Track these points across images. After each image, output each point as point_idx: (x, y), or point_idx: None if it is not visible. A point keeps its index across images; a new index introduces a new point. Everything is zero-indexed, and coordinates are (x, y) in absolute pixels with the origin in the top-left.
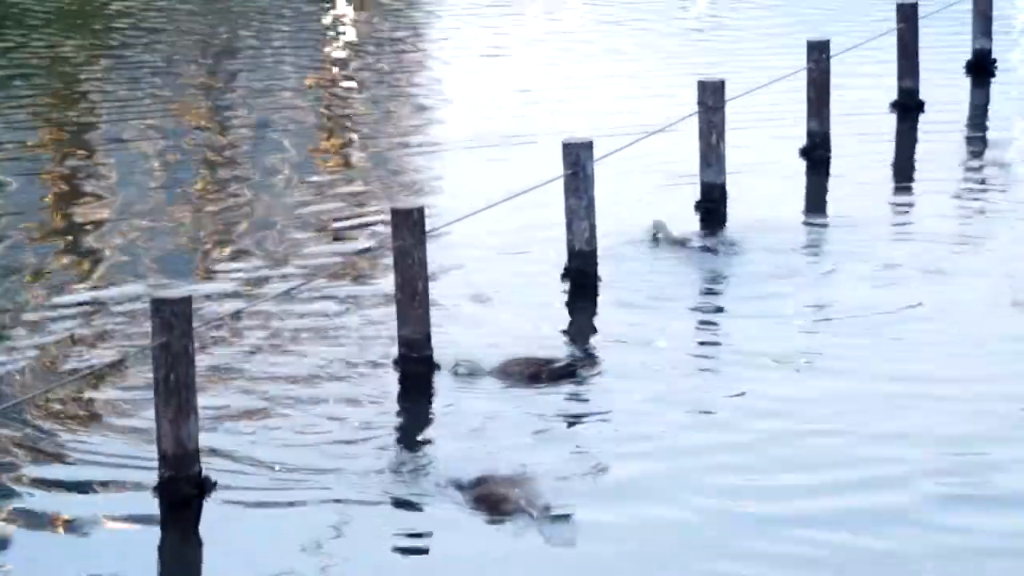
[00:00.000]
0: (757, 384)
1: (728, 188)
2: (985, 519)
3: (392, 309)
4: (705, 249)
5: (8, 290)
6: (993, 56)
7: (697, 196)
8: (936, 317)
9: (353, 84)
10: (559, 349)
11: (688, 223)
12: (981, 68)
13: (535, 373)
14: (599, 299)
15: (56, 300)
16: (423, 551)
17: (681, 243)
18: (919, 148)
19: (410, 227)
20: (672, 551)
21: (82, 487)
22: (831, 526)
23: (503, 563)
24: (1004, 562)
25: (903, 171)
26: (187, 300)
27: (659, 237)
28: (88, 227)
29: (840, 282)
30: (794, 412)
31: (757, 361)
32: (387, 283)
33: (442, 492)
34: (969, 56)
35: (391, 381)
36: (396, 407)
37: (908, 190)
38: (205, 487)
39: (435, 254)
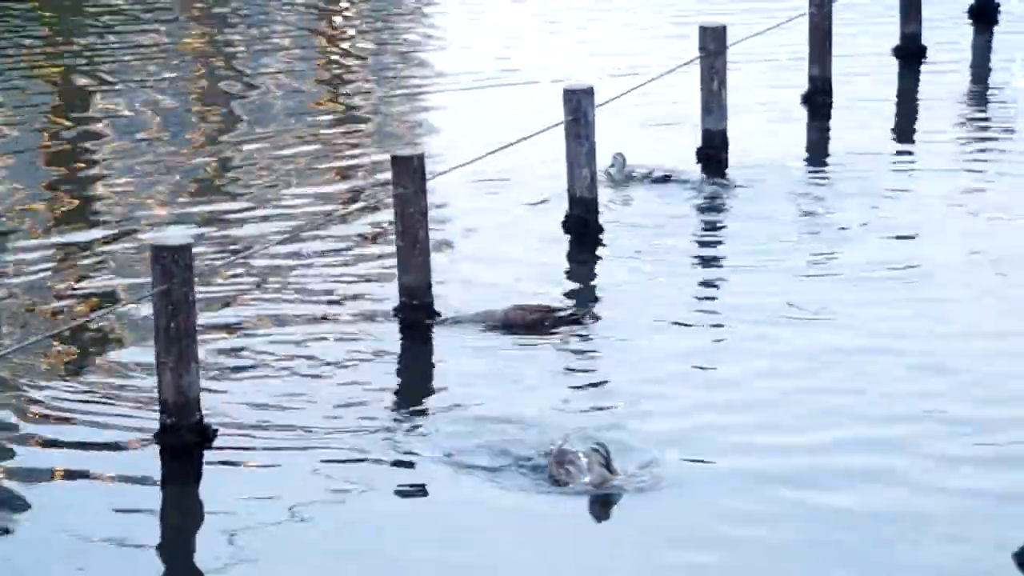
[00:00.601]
0: (757, 334)
1: (729, 134)
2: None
3: (392, 256)
4: (669, 186)
5: (7, 236)
6: (996, 1)
7: (698, 142)
8: (938, 267)
9: (352, 29)
10: (561, 297)
11: (689, 167)
12: (984, 14)
13: (538, 321)
14: (600, 246)
15: (55, 247)
16: (421, 502)
17: (641, 178)
18: (921, 94)
19: (410, 174)
20: (669, 505)
21: (83, 434)
22: (834, 483)
23: (497, 513)
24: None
25: (905, 117)
26: (187, 247)
27: (612, 172)
28: (87, 175)
29: (840, 230)
30: (795, 363)
31: (757, 311)
32: (387, 230)
33: (440, 442)
34: (972, 1)
35: (392, 329)
36: (397, 356)
37: (910, 137)
38: (206, 435)
39: (436, 201)
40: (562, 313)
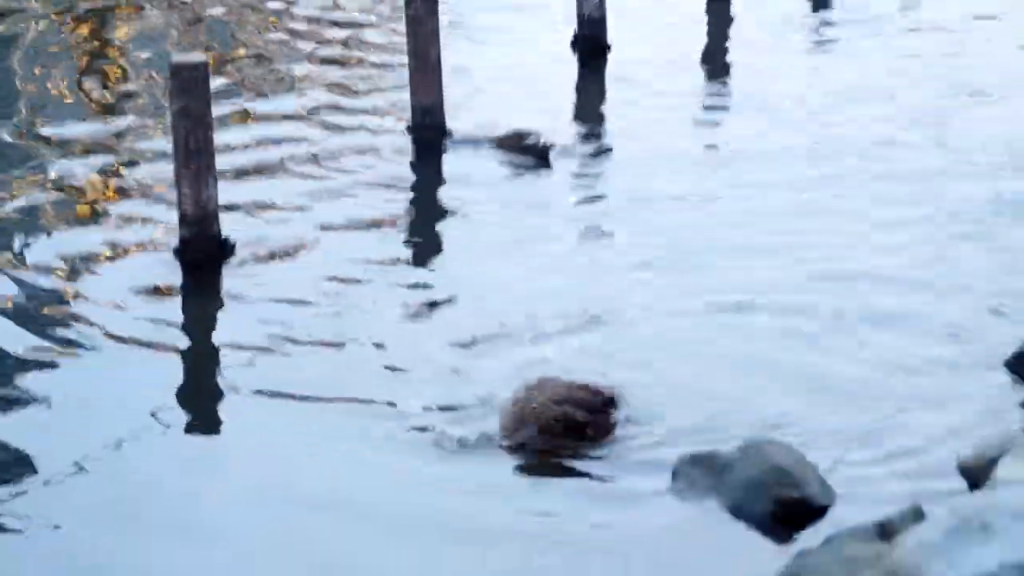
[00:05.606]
0: (743, 182)
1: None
2: None
3: (405, 77)
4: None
5: (33, 66)
6: None
7: None
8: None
9: None
10: (560, 121)
11: None
12: None
13: (511, 142)
14: (606, 68)
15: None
16: (427, 315)
17: None
18: None
19: None
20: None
21: (103, 247)
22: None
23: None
24: None
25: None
26: (204, 64)
27: None
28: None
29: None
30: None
31: (749, 154)
32: (400, 52)
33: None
34: None
35: (404, 147)
36: (408, 173)
37: None
38: (225, 248)
39: (449, 18)
40: (528, 142)
